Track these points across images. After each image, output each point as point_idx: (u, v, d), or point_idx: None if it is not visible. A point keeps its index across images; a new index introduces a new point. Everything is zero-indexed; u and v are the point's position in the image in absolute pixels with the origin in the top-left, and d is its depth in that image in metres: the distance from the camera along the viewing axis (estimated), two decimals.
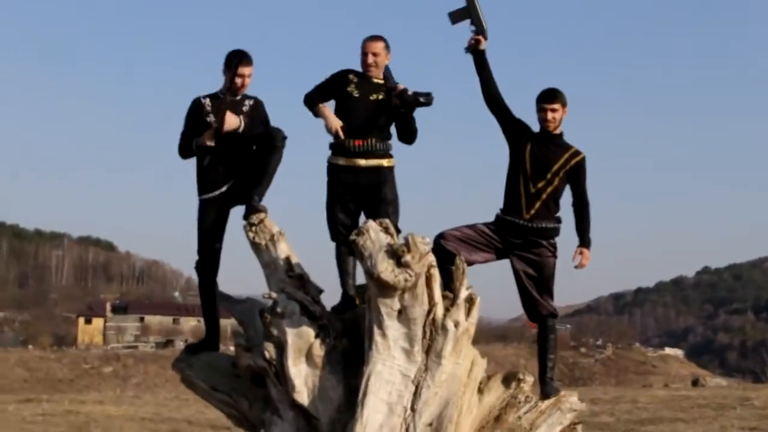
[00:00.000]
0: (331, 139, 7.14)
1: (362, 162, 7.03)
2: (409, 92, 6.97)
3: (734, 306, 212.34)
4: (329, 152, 7.19)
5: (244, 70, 7.21)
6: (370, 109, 7.07)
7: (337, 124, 7.04)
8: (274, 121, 7.35)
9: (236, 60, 7.17)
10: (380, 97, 7.08)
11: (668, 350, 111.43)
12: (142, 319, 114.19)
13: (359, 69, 7.24)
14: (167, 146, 7.48)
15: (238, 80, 7.20)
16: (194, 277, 7.81)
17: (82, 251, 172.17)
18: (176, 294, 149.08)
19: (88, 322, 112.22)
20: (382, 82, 7.19)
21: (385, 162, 7.11)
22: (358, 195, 7.07)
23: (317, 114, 7.19)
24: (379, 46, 7.16)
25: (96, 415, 15.40)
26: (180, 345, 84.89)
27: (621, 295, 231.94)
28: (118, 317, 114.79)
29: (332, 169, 7.14)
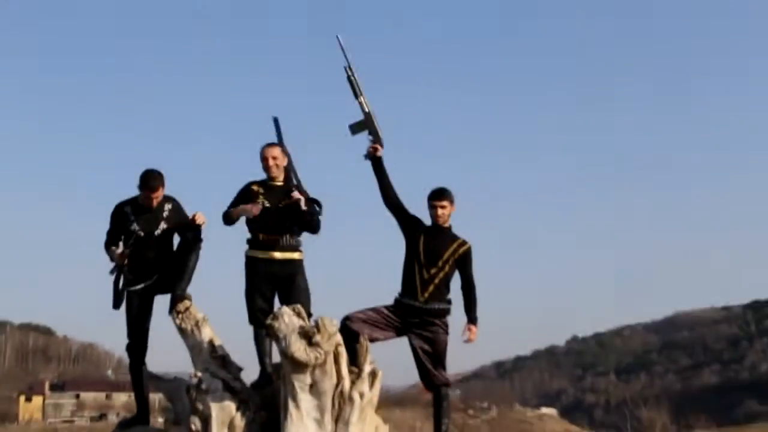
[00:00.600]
0: (248, 235, 7.11)
1: (278, 255, 7.00)
2: (302, 202, 6.98)
3: (599, 369, 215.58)
4: (246, 246, 7.14)
5: (154, 194, 7.14)
6: (280, 213, 7.04)
7: (255, 207, 7.01)
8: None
9: (144, 183, 7.11)
10: (285, 201, 7.08)
11: (544, 410, 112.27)
12: (77, 396, 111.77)
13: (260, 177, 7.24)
14: (98, 239, 7.38)
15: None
16: (125, 357, 7.68)
17: (23, 336, 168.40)
18: (109, 372, 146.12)
19: (28, 400, 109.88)
20: (282, 183, 7.17)
21: (296, 255, 7.10)
22: (275, 283, 7.03)
23: (234, 219, 7.13)
24: (276, 151, 7.18)
25: None
26: (113, 418, 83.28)
27: (502, 363, 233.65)
28: (56, 395, 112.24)
29: (251, 261, 7.09)
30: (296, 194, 7.02)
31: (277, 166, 7.17)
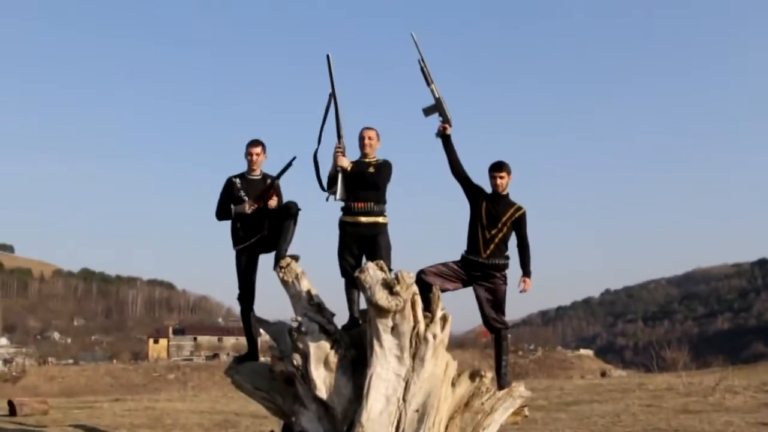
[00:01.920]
0: (342, 204, 7.07)
1: (363, 219, 6.98)
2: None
3: (629, 317, 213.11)
4: (341, 213, 7.12)
5: (252, 149, 7.40)
6: (365, 182, 6.98)
7: (343, 161, 6.98)
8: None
9: (248, 144, 7.42)
10: (371, 170, 7.05)
11: (582, 351, 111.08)
12: (195, 339, 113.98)
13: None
14: (210, 209, 7.49)
15: (248, 158, 7.42)
16: (235, 306, 7.76)
17: (151, 290, 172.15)
18: (220, 320, 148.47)
19: (155, 342, 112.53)
20: (372, 160, 7.11)
21: (380, 219, 7.04)
22: (361, 243, 7.00)
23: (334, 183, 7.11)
24: (373, 133, 7.15)
25: (167, 410, 15.22)
26: (224, 358, 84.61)
27: (546, 312, 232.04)
28: (177, 338, 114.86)
29: (342, 224, 7.08)
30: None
31: (371, 146, 7.09)
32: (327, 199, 7.03)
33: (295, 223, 7.18)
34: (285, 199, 7.36)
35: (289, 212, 7.17)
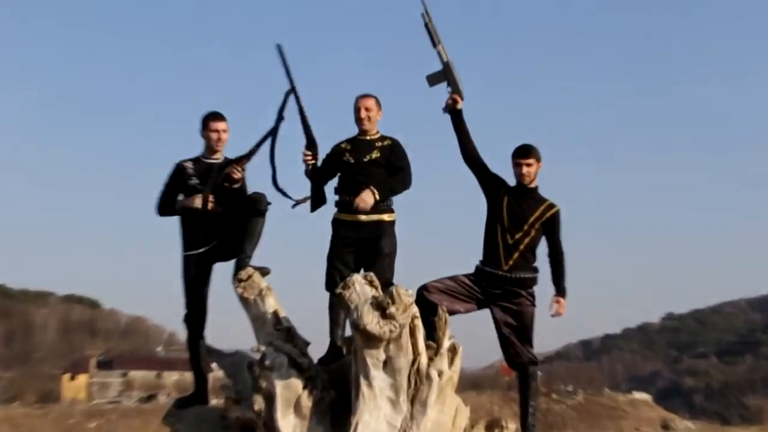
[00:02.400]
0: (336, 198, 7.23)
1: (364, 217, 7.05)
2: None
3: (698, 350, 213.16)
4: (335, 210, 7.24)
5: (218, 125, 7.47)
6: (366, 170, 7.12)
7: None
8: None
9: (209, 118, 7.48)
10: (374, 156, 7.13)
11: (636, 395, 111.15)
12: (125, 375, 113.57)
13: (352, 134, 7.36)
14: (147, 204, 7.53)
15: (214, 135, 7.45)
16: (180, 331, 7.81)
17: (67, 308, 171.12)
18: (159, 349, 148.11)
19: (72, 378, 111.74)
20: (375, 137, 7.27)
21: (385, 216, 7.12)
22: (358, 249, 7.08)
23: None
24: (371, 102, 7.23)
25: None
26: (163, 399, 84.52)
27: (589, 342, 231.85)
28: (102, 373, 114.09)
29: (336, 224, 7.19)
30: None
31: (369, 118, 7.28)
32: (293, 207, 7.17)
33: (263, 223, 7.24)
34: (249, 190, 7.41)
35: (256, 208, 7.21)
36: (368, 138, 7.27)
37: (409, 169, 7.24)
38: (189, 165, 7.46)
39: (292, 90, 7.16)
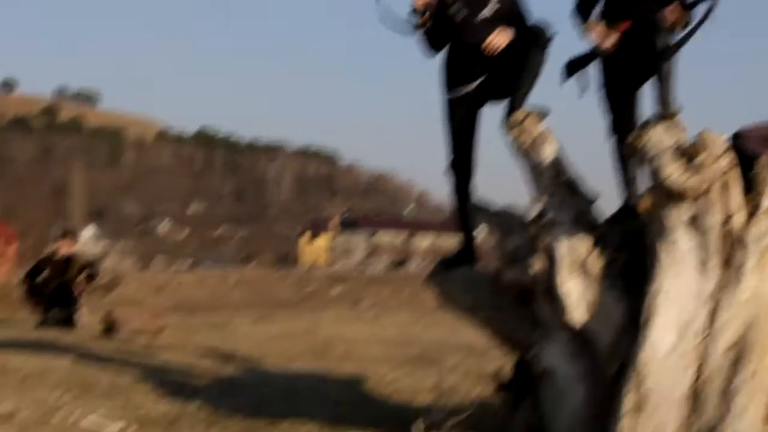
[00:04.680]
0: None
1: None
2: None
3: None
4: None
5: None
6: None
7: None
8: None
9: None
10: None
11: None
12: (372, 236, 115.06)
13: None
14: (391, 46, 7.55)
15: None
16: (432, 189, 7.90)
17: (303, 163, 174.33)
18: (408, 210, 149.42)
19: (312, 239, 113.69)
20: None
21: None
22: None
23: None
24: None
25: (335, 337, 15.46)
26: (414, 266, 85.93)
27: None
28: (345, 234, 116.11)
29: None
30: None
31: None
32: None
33: (541, 62, 7.18)
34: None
35: (535, 40, 7.15)
36: None
37: None
38: None
39: None
